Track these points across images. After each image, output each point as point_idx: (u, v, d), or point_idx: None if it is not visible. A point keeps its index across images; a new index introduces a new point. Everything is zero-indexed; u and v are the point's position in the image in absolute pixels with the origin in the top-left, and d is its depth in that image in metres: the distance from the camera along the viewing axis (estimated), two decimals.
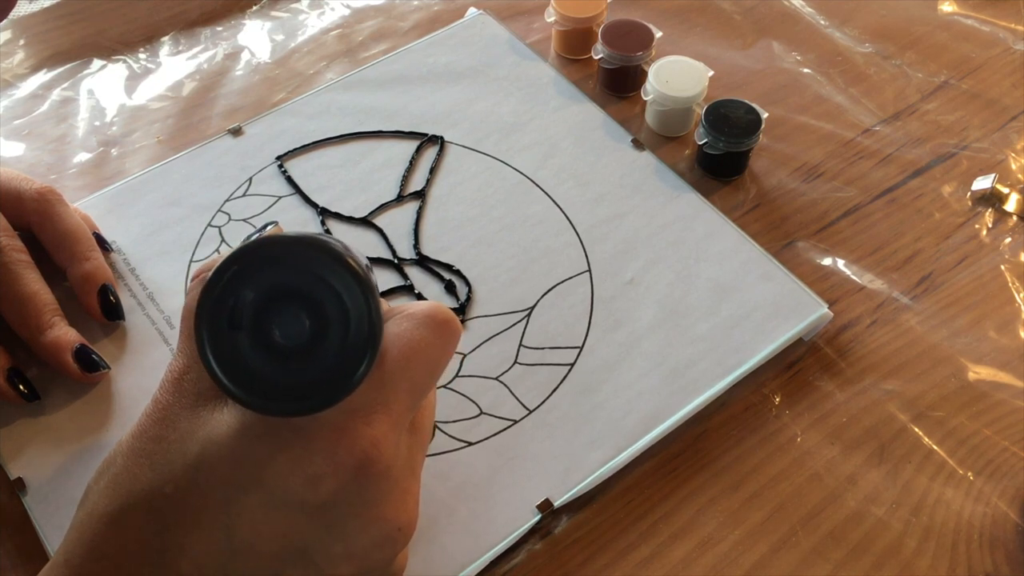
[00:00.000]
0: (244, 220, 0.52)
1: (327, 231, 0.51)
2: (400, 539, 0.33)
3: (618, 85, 0.59)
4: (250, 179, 0.54)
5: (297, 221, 0.52)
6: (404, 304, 0.34)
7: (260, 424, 0.30)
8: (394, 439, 0.31)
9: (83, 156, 0.56)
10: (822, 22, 0.64)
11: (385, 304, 0.38)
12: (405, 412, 0.32)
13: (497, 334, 0.47)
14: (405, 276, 0.49)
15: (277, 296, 0.29)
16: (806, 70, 0.61)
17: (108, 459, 0.33)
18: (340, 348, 0.29)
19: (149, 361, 0.46)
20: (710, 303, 0.48)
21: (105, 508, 0.31)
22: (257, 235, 0.43)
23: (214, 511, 0.30)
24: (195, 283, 0.36)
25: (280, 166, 0.54)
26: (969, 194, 0.54)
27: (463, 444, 0.43)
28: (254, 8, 0.66)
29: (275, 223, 0.39)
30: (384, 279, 0.49)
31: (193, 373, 0.33)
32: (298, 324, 0.29)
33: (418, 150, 0.55)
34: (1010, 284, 0.50)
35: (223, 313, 0.28)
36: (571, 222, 0.52)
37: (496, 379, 0.46)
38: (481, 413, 0.44)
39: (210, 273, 0.29)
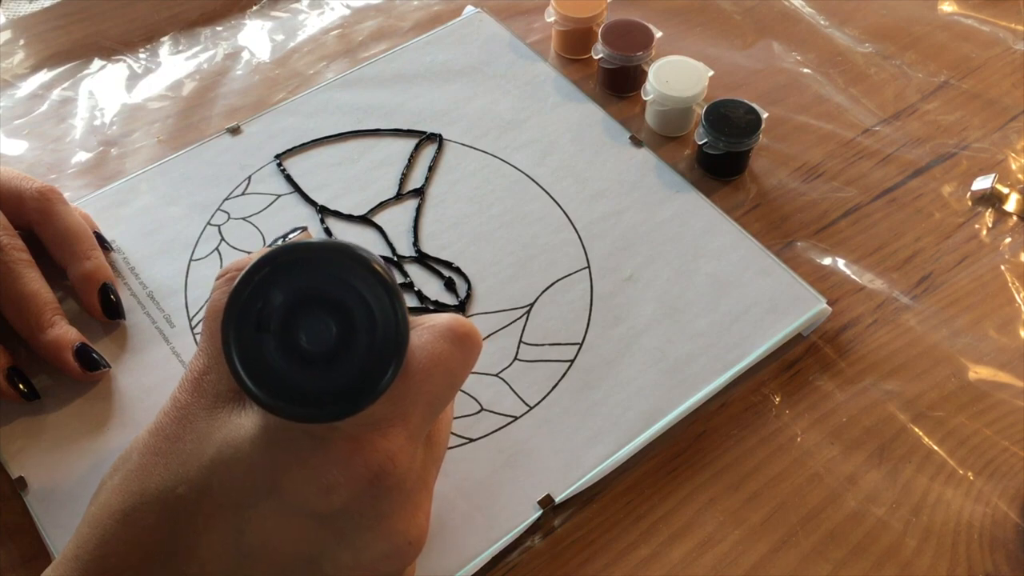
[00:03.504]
0: (243, 219, 0.52)
1: (326, 229, 0.51)
2: (410, 552, 0.33)
3: (618, 85, 0.59)
4: (249, 178, 0.54)
5: (296, 219, 0.52)
6: (425, 316, 0.34)
7: (276, 430, 0.30)
8: (410, 452, 0.31)
9: (83, 156, 0.56)
10: (822, 22, 0.64)
11: None
12: (422, 425, 0.32)
13: (497, 331, 0.47)
14: (405, 274, 0.49)
15: (305, 301, 0.28)
16: (806, 70, 0.61)
17: (124, 455, 0.33)
18: (366, 356, 0.28)
19: (149, 360, 0.46)
20: (709, 299, 0.48)
21: (118, 505, 0.31)
22: (284, 239, 0.42)
23: (225, 515, 0.30)
24: (220, 282, 0.35)
25: (279, 164, 0.54)
26: (969, 194, 0.54)
27: (464, 440, 0.43)
28: (254, 8, 0.66)
29: (304, 228, 0.39)
30: None
31: (214, 374, 0.32)
32: (325, 330, 0.28)
33: (416, 148, 0.55)
34: (1010, 284, 0.50)
35: (251, 315, 0.28)
36: (570, 219, 0.52)
37: (496, 375, 0.45)
38: (482, 410, 0.44)
39: (240, 274, 0.28)
